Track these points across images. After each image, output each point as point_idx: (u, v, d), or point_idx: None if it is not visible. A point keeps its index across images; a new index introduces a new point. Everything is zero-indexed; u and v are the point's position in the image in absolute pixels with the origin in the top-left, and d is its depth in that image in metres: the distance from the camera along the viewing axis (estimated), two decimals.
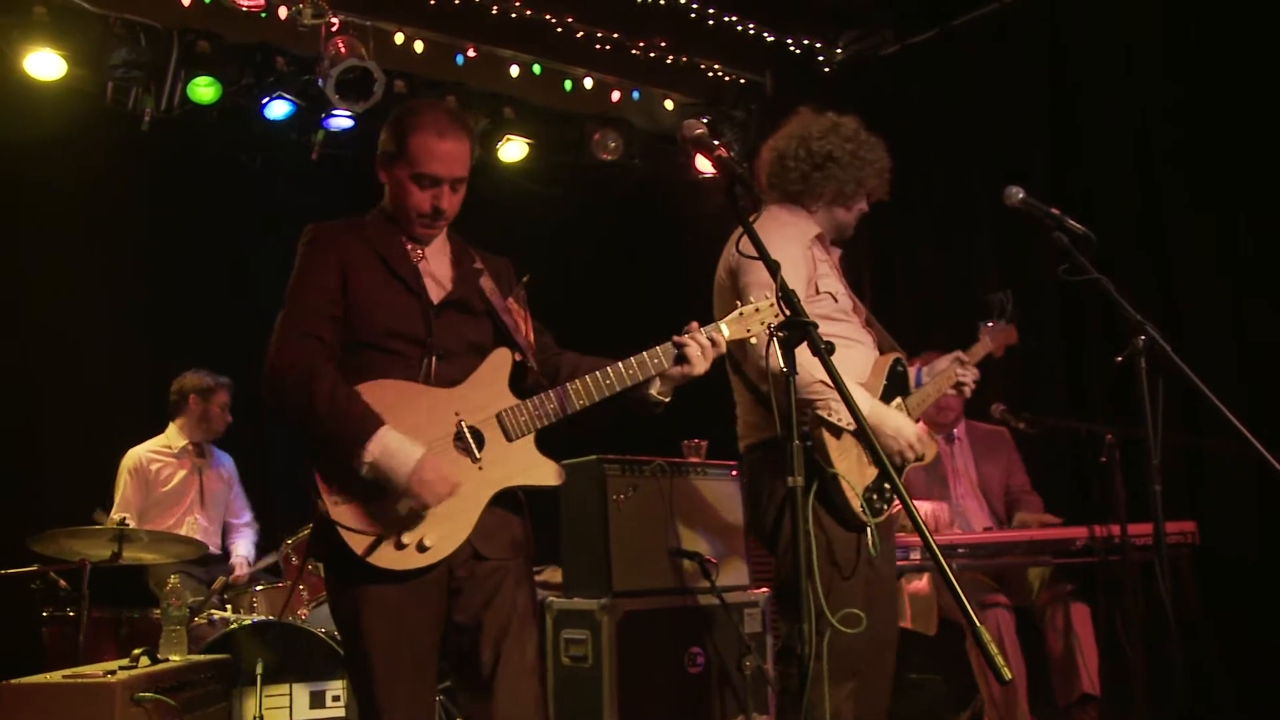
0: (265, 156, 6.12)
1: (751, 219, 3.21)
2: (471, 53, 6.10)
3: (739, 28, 6.15)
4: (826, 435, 3.18)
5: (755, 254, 2.33)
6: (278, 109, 5.79)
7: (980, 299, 3.98)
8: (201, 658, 3.63)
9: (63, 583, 4.35)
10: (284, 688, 3.94)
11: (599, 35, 6.13)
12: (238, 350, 4.68)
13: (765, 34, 6.27)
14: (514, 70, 6.26)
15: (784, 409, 2.17)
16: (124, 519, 4.19)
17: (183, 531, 5.25)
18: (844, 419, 3.18)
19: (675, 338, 2.70)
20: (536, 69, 6.31)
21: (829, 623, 2.76)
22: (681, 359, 2.69)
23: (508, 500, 2.71)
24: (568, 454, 4.56)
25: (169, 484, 5.33)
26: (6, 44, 5.24)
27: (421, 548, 2.53)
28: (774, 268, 2.26)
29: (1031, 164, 5.44)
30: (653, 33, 6.22)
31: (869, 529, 3.15)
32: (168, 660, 3.45)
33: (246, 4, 5.18)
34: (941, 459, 4.92)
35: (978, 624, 1.95)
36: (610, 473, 4.36)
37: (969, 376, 3.69)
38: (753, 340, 2.89)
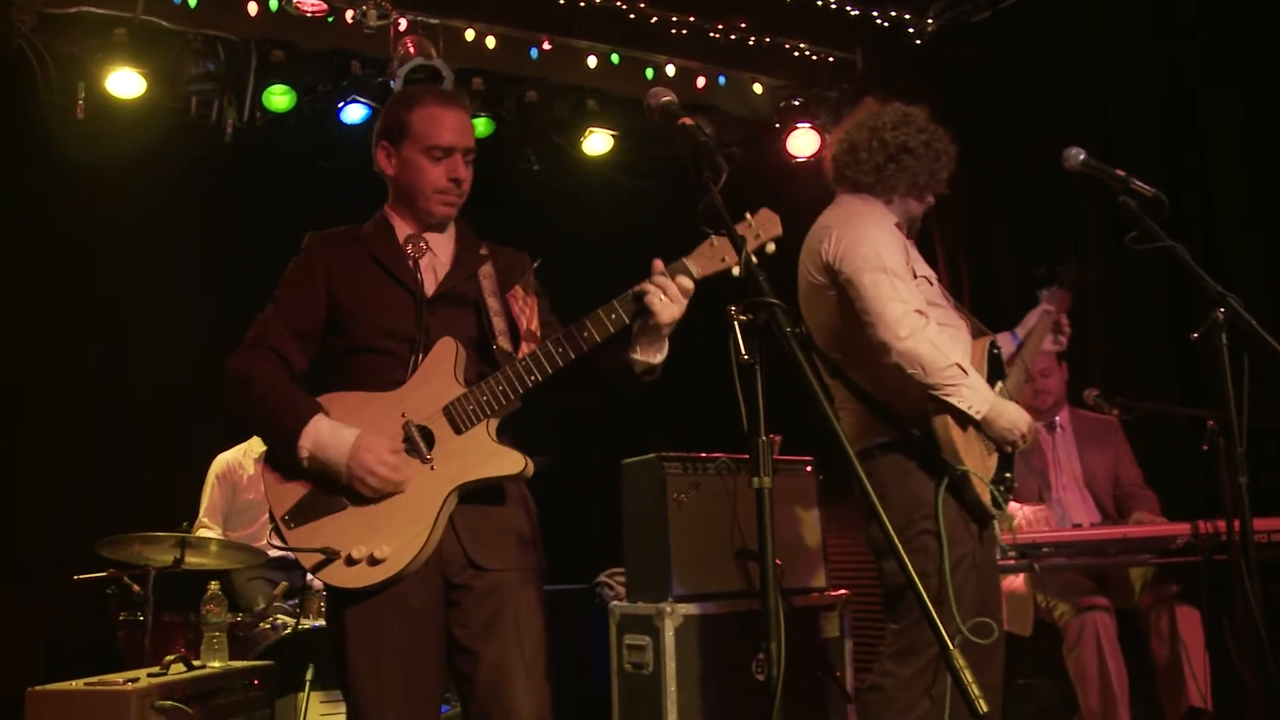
0: (346, 161, 6.15)
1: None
2: (546, 45, 5.98)
3: (820, 3, 5.86)
4: (954, 428, 3.04)
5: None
6: (354, 113, 5.79)
7: (1041, 271, 3.70)
8: (242, 664, 3.61)
9: (136, 587, 4.41)
10: (336, 693, 3.89)
11: (674, 20, 5.92)
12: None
13: (849, 8, 5.96)
14: (591, 61, 6.12)
15: (750, 402, 1.96)
16: (185, 524, 4.22)
17: (265, 539, 5.32)
18: (976, 407, 3.04)
19: (638, 286, 2.42)
20: (615, 58, 6.14)
21: (958, 631, 2.65)
22: (643, 309, 2.40)
23: (498, 499, 2.56)
24: (628, 452, 4.43)
25: (253, 489, 5.38)
26: (91, 65, 5.40)
27: (373, 561, 2.40)
28: (739, 243, 2.05)
29: (1139, 133, 5.01)
30: (730, 14, 5.99)
31: (995, 521, 3.11)
32: (205, 667, 3.44)
33: (310, 9, 5.19)
34: (1042, 449, 4.59)
35: (950, 647, 1.69)
36: (671, 471, 4.18)
37: (1061, 316, 3.65)
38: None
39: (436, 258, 2.67)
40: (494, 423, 2.48)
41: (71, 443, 5.59)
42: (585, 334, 2.42)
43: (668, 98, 2.25)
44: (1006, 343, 3.61)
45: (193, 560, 4.22)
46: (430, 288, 2.61)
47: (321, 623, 4.20)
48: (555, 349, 2.43)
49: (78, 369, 5.69)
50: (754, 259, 2.10)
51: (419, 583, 2.47)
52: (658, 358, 2.48)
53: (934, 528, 2.99)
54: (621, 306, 2.42)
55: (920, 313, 3.08)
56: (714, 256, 2.39)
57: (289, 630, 4.07)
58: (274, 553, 4.92)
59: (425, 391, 2.49)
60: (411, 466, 2.45)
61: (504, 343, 2.54)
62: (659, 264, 2.42)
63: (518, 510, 2.62)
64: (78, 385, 5.68)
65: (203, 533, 5.21)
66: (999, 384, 3.29)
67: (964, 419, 3.06)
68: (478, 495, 2.51)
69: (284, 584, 4.50)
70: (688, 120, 2.17)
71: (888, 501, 3.07)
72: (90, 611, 4.64)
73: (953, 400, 3.01)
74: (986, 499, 3.05)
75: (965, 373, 3.04)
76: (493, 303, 2.60)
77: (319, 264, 2.61)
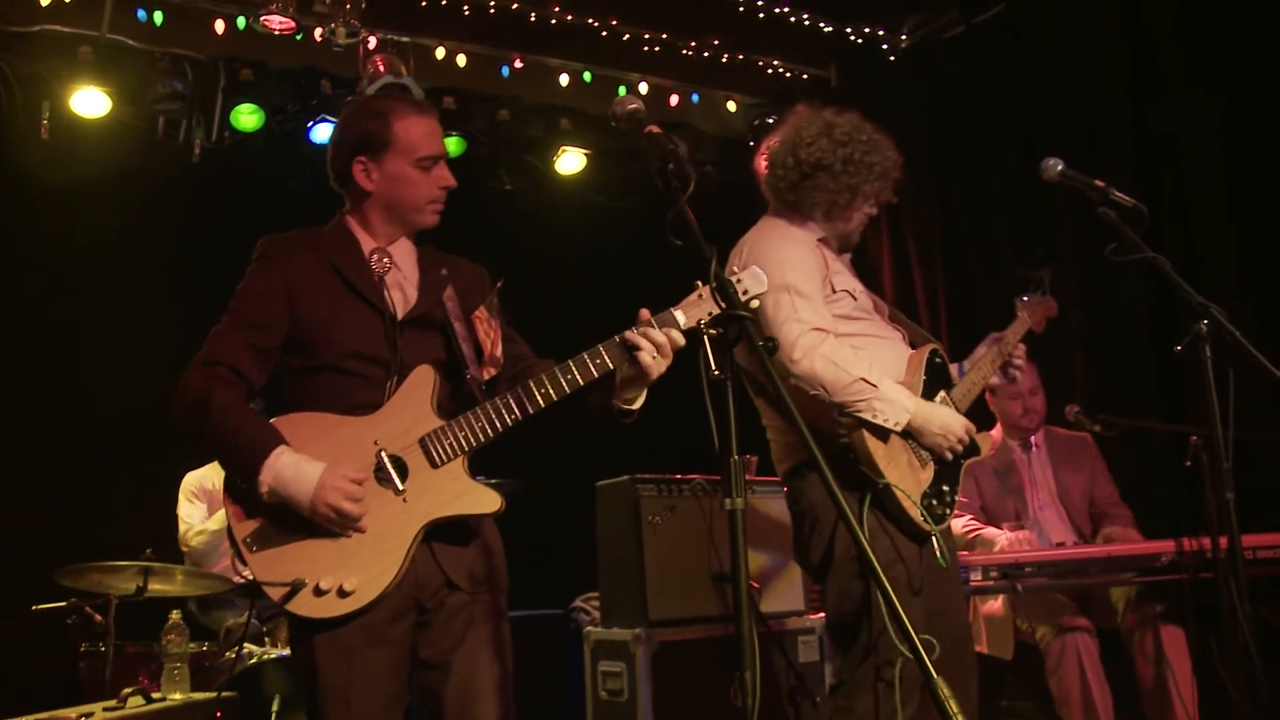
0: (316, 181, 6.05)
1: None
2: (518, 63, 5.95)
3: (793, 20, 5.83)
4: (871, 441, 2.90)
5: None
6: (324, 132, 5.72)
7: (1018, 275, 3.58)
8: (204, 696, 3.50)
9: (98, 617, 4.29)
10: None
11: (647, 37, 5.91)
12: None
13: (822, 24, 5.95)
14: (564, 79, 6.09)
15: (721, 420, 1.88)
16: (148, 550, 4.10)
17: (233, 559, 5.20)
18: (891, 419, 2.90)
19: (625, 333, 2.32)
20: (587, 76, 6.12)
21: (900, 652, 2.54)
22: (631, 359, 2.31)
23: (475, 530, 2.50)
24: (601, 473, 4.35)
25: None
26: (56, 84, 5.31)
27: (342, 593, 2.30)
28: (709, 255, 1.97)
29: (1116, 145, 4.98)
30: (703, 32, 5.95)
31: (934, 537, 2.90)
32: (164, 700, 3.32)
33: (278, 27, 5.12)
34: (1018, 467, 4.51)
35: (933, 674, 1.62)
36: (645, 493, 4.09)
37: (1019, 352, 3.37)
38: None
39: (401, 273, 2.58)
40: (467, 459, 2.42)
41: (33, 465, 5.45)
42: (569, 377, 2.36)
43: (634, 105, 2.18)
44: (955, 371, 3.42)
45: (156, 588, 4.10)
46: (400, 309, 2.52)
47: (289, 651, 4.09)
48: (538, 390, 2.37)
49: (41, 391, 5.56)
50: (727, 281, 2.01)
51: (392, 612, 2.39)
52: (636, 404, 2.42)
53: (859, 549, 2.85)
54: (607, 353, 2.34)
55: (820, 330, 2.93)
56: (701, 308, 2.29)
57: (255, 659, 3.94)
58: (241, 580, 4.82)
59: (401, 421, 2.40)
60: (381, 497, 2.37)
61: (475, 371, 2.47)
62: (645, 313, 2.32)
63: (490, 531, 2.58)
64: (40, 408, 5.55)
65: (196, 539, 5.03)
66: (941, 393, 3.14)
67: (885, 433, 2.91)
68: (455, 527, 2.45)
69: (249, 611, 4.36)
70: (654, 128, 2.10)
71: (820, 522, 2.99)
72: (51, 641, 4.51)
73: (864, 416, 2.87)
74: (915, 515, 2.88)
75: (874, 385, 2.88)
76: (459, 327, 2.52)
77: (279, 274, 2.49)
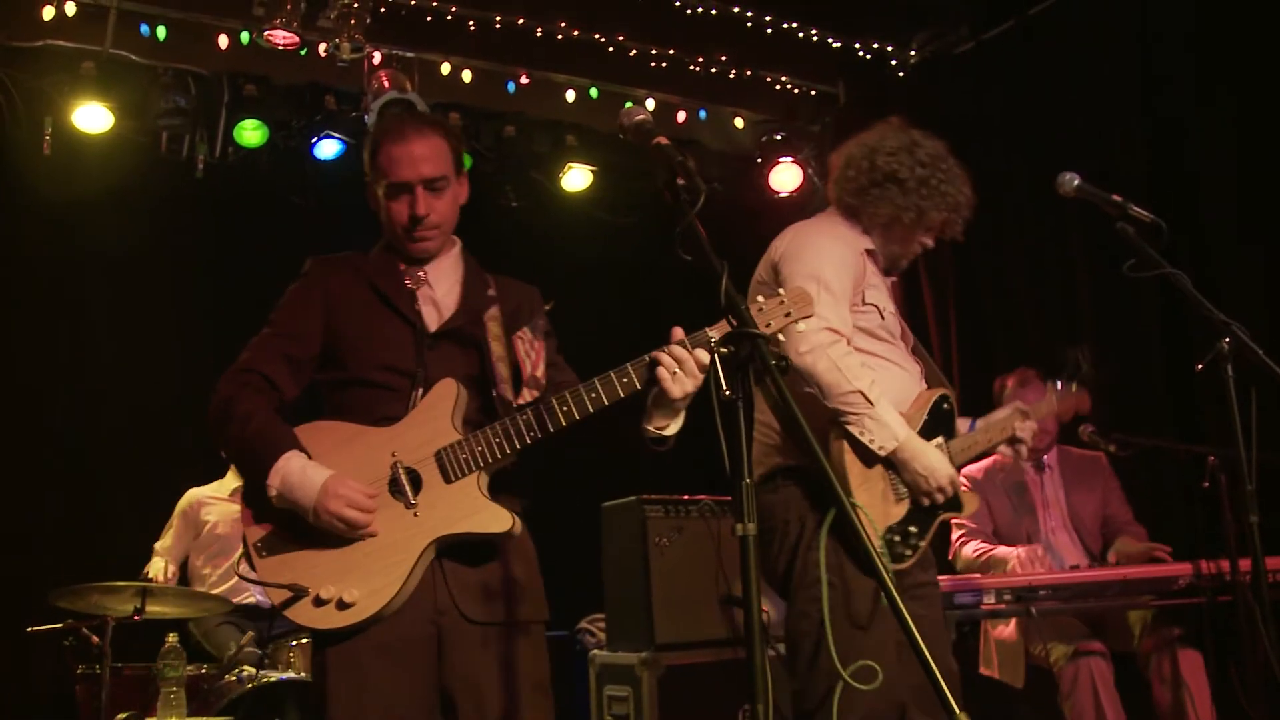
0: (320, 197, 6.02)
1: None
2: (524, 79, 5.90)
3: (801, 35, 5.78)
4: (849, 457, 2.80)
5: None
6: (327, 148, 5.69)
7: (1062, 353, 3.52)
8: None
9: (95, 639, 4.22)
10: None
11: (653, 53, 5.86)
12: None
13: (831, 40, 5.89)
14: (570, 95, 6.03)
15: (732, 441, 1.81)
16: (146, 575, 4.04)
17: (236, 580, 5.13)
18: (880, 442, 2.80)
19: (654, 352, 2.23)
20: (594, 92, 6.06)
21: (842, 678, 2.41)
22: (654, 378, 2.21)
23: (490, 549, 2.43)
24: (608, 494, 4.28)
25: (219, 528, 5.21)
26: (58, 99, 5.28)
27: (342, 605, 2.27)
28: (719, 269, 1.89)
29: (1129, 164, 4.92)
30: (711, 48, 5.91)
31: (885, 574, 2.73)
32: None
33: (282, 42, 5.07)
34: (1030, 488, 4.44)
35: (955, 709, 1.55)
36: (652, 514, 4.04)
37: (1027, 433, 3.17)
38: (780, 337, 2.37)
39: (434, 291, 2.57)
40: (485, 476, 2.36)
41: (32, 482, 5.38)
42: (593, 395, 2.27)
43: (641, 116, 2.11)
44: (960, 426, 3.27)
45: (154, 609, 4.04)
46: (432, 323, 2.52)
47: (290, 674, 4.03)
48: (561, 408, 2.29)
49: (40, 407, 5.50)
50: (737, 297, 1.92)
51: (408, 633, 2.35)
52: (671, 428, 2.31)
53: (819, 569, 2.73)
54: (635, 372, 2.25)
55: (834, 331, 2.83)
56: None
57: (254, 683, 3.87)
58: (244, 597, 4.76)
59: (420, 433, 2.37)
60: (392, 510, 2.33)
61: (505, 390, 2.43)
62: (678, 332, 2.23)
63: (512, 559, 2.49)
64: (40, 424, 5.49)
65: (154, 560, 4.98)
66: (939, 439, 3.01)
67: (867, 455, 2.82)
68: (467, 545, 2.38)
69: (251, 633, 4.31)
70: (662, 140, 2.03)
71: (786, 538, 2.87)
72: (47, 664, 4.45)
73: (853, 429, 2.78)
74: (878, 541, 2.76)
75: (870, 402, 2.78)
76: (496, 347, 2.48)
77: (319, 290, 2.53)
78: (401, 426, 2.39)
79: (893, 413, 2.84)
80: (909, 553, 2.85)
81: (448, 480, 2.34)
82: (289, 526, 2.33)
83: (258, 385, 2.43)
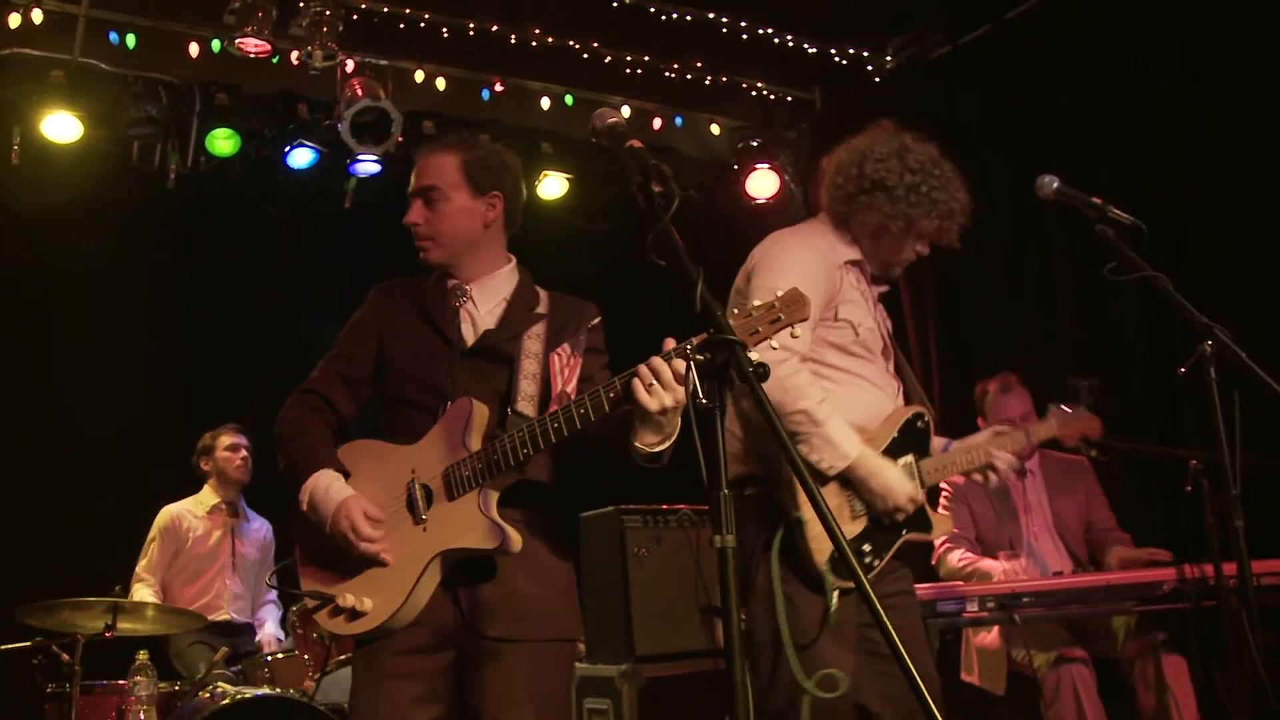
0: (295, 207, 5.96)
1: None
2: (498, 87, 5.86)
3: (776, 41, 5.75)
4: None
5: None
6: (300, 157, 5.64)
7: (1066, 382, 3.47)
8: None
9: (65, 656, 4.14)
10: None
11: (629, 59, 5.82)
12: (274, 404, 4.50)
13: (806, 46, 5.87)
14: (545, 102, 6.00)
15: (709, 450, 1.76)
16: (117, 588, 3.98)
17: (211, 597, 5.07)
18: (827, 462, 2.72)
19: (640, 364, 2.19)
20: (568, 99, 6.03)
21: (804, 689, 2.39)
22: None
23: (498, 570, 2.43)
24: (586, 504, 4.22)
25: (200, 544, 5.15)
26: (26, 108, 5.21)
27: (354, 614, 2.41)
28: (694, 275, 1.84)
29: (1107, 169, 4.91)
30: (686, 54, 5.87)
31: (830, 593, 2.67)
32: None
33: (254, 50, 5.01)
34: (1012, 493, 4.40)
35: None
36: (630, 524, 3.99)
37: (1002, 461, 3.06)
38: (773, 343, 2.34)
39: (477, 310, 2.61)
40: (491, 493, 2.37)
41: (1, 495, 5.29)
42: (581, 410, 2.24)
43: (614, 119, 2.08)
44: (935, 445, 3.16)
45: (126, 626, 3.99)
46: (470, 341, 2.58)
47: (264, 690, 3.98)
48: (551, 423, 2.28)
49: (9, 420, 5.42)
50: (713, 303, 1.86)
51: (425, 646, 2.42)
52: (660, 444, 2.25)
53: (770, 581, 2.68)
54: (621, 385, 2.21)
55: (783, 348, 2.67)
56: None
57: (229, 700, 3.80)
58: (217, 614, 4.70)
59: (438, 450, 2.44)
60: (405, 526, 2.43)
61: (524, 406, 2.45)
62: (669, 343, 2.16)
63: (524, 576, 2.46)
64: (11, 437, 5.41)
65: (138, 587, 4.96)
66: (910, 457, 2.92)
67: (818, 471, 2.73)
68: (482, 562, 2.42)
69: (224, 649, 4.23)
70: (636, 143, 2.00)
71: (743, 546, 2.76)
72: (16, 682, 4.36)
73: (801, 448, 2.69)
74: (819, 561, 2.67)
75: (817, 422, 2.70)
76: (528, 364, 2.51)
77: (373, 315, 2.67)
78: (423, 444, 2.47)
79: (844, 431, 2.75)
80: (868, 572, 2.77)
81: (450, 497, 2.40)
82: (329, 539, 2.46)
83: (315, 405, 2.59)
